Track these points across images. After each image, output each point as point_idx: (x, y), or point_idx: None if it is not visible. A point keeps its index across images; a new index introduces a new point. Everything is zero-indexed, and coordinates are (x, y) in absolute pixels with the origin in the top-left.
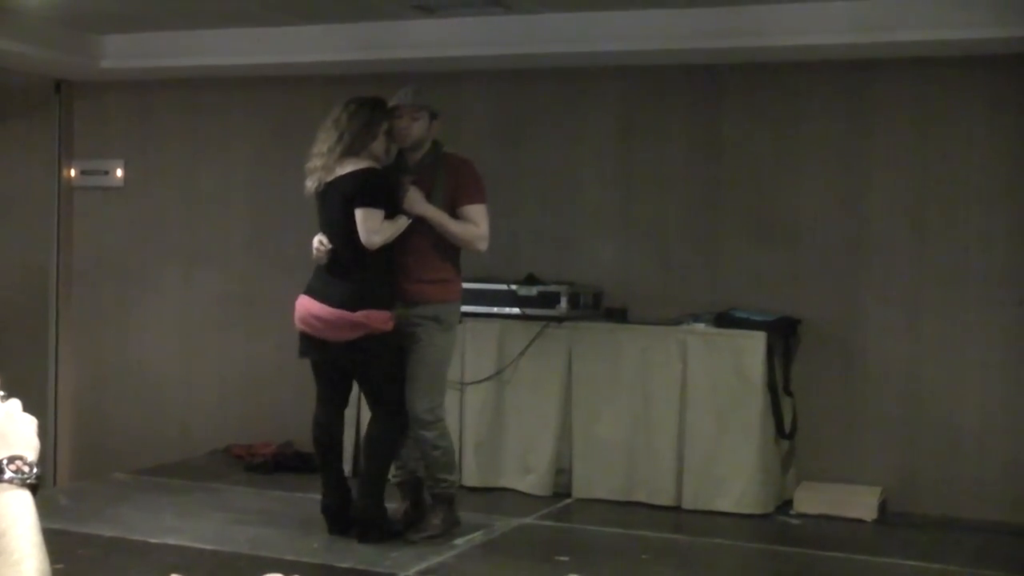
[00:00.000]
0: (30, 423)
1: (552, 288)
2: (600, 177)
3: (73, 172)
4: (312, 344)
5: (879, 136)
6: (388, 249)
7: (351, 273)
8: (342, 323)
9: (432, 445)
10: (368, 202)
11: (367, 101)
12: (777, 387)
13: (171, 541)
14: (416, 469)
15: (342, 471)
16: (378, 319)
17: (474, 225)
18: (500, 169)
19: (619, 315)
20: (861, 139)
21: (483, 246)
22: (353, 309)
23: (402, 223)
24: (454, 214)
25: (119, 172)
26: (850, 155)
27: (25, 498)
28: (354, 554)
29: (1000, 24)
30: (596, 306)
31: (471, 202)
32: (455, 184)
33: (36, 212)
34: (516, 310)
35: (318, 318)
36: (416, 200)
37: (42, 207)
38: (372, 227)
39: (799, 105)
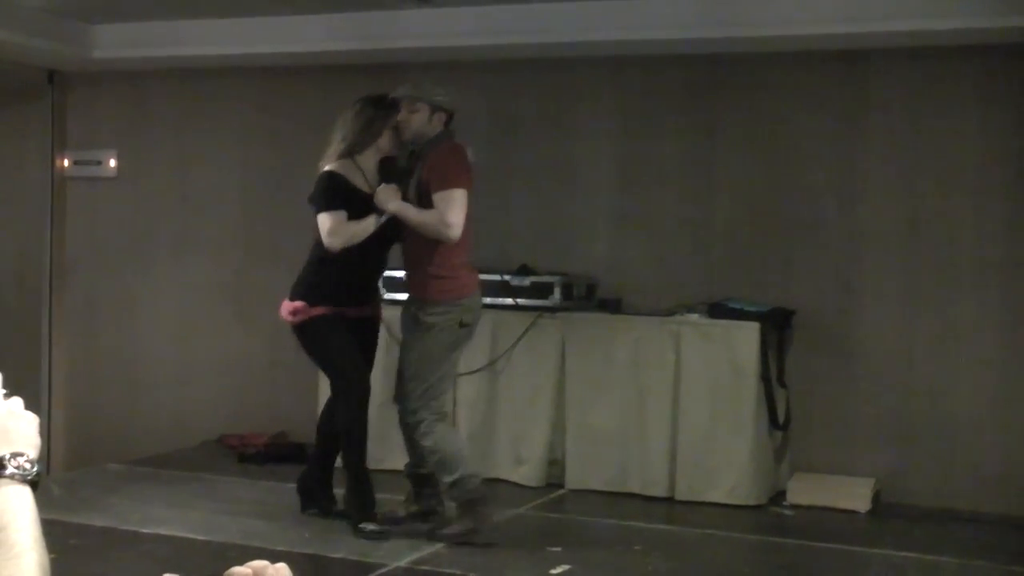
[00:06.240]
0: (32, 421)
1: (545, 279)
2: (594, 168)
3: (66, 162)
4: None
5: (873, 127)
6: (359, 246)
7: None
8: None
9: (430, 451)
10: (322, 206)
11: (371, 100)
12: (771, 378)
13: (163, 531)
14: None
15: (330, 460)
16: (285, 308)
17: (437, 212)
18: (494, 160)
19: (613, 306)
20: (855, 130)
21: (449, 233)
22: (289, 299)
23: (368, 223)
24: (429, 203)
25: (112, 162)
26: (844, 146)
27: (25, 494)
28: (346, 544)
29: (992, 14)
30: (589, 297)
31: (437, 188)
32: (427, 173)
33: (29, 202)
34: (509, 301)
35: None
36: (385, 197)
37: (35, 197)
38: (329, 229)
39: (793, 96)
